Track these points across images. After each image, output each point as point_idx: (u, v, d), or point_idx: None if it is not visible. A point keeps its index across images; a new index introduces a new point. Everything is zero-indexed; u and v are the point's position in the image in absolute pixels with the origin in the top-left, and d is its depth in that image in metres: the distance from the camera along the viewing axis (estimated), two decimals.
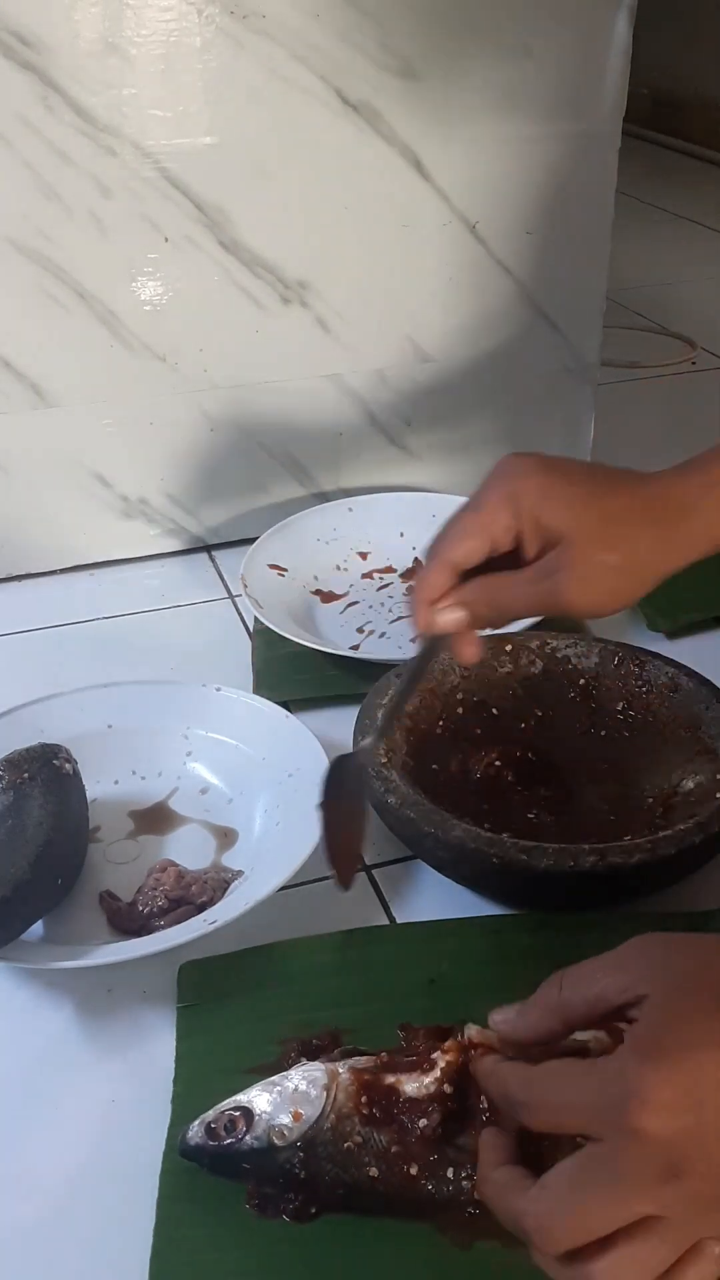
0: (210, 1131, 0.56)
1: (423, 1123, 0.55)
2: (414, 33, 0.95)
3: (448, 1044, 0.58)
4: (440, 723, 0.82)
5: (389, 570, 1.07)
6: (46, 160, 0.91)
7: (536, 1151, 0.49)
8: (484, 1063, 0.51)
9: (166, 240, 0.97)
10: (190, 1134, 0.56)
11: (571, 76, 1.01)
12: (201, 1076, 0.62)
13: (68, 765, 0.76)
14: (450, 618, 0.61)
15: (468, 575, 0.61)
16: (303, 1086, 0.56)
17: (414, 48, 0.96)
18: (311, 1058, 0.60)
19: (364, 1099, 0.56)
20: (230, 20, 0.91)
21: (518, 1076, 0.47)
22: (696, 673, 0.81)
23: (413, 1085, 0.56)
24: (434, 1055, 0.58)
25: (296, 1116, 0.55)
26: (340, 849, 0.64)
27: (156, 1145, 0.59)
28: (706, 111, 2.67)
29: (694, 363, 1.56)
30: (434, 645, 0.63)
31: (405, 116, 0.98)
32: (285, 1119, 0.55)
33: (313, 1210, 0.55)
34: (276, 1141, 0.55)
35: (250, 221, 0.99)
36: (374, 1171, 0.55)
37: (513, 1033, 0.50)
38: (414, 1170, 0.55)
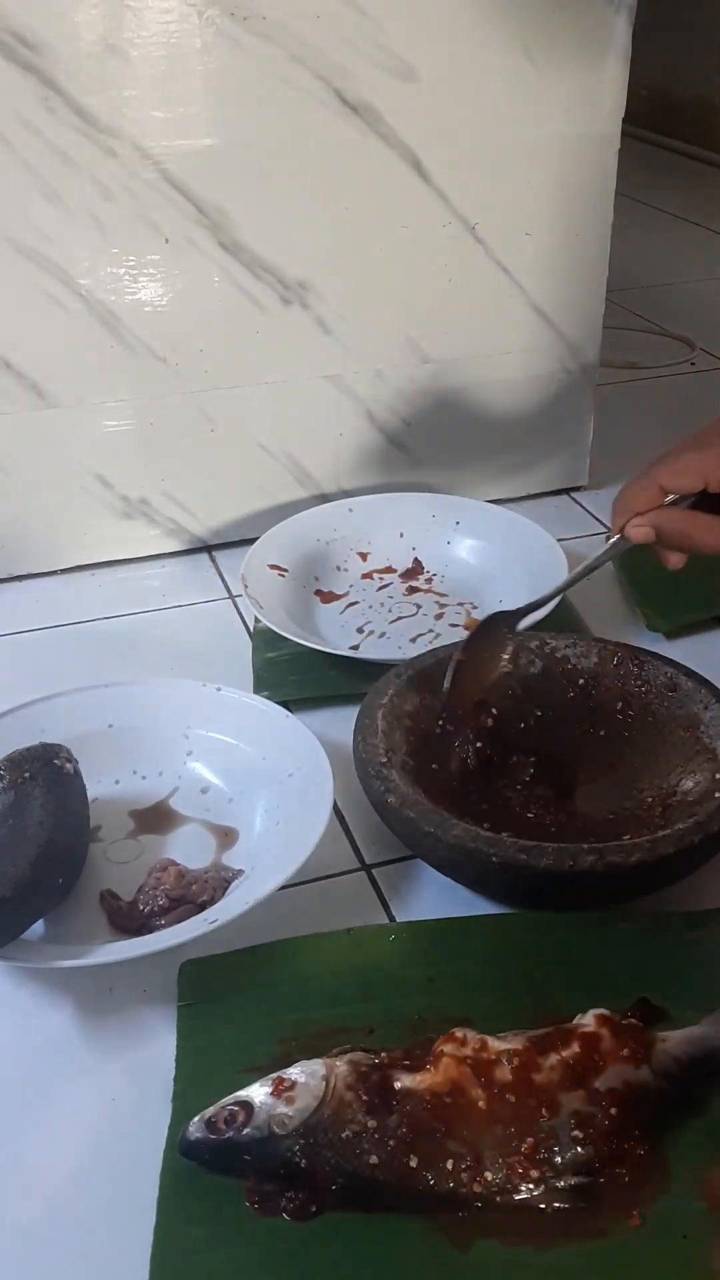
0: (210, 1125, 0.56)
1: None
2: (414, 34, 0.95)
3: (448, 1044, 0.58)
4: (440, 722, 0.82)
5: (389, 570, 1.08)
6: (47, 161, 0.92)
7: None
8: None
9: (167, 241, 0.97)
10: (190, 1130, 0.57)
11: (571, 77, 1.01)
12: (202, 1076, 0.62)
13: (68, 765, 0.76)
14: (643, 533, 0.70)
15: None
16: (302, 1079, 0.57)
17: (414, 49, 0.96)
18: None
19: (362, 1090, 0.56)
20: (230, 22, 0.91)
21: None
22: (695, 672, 0.81)
23: (411, 1079, 0.57)
24: (434, 1051, 0.58)
25: (292, 1101, 0.56)
26: (462, 694, 0.73)
27: (156, 1145, 0.59)
28: (706, 112, 2.67)
29: (693, 363, 1.56)
30: (617, 547, 0.72)
31: (405, 117, 0.98)
32: (285, 1108, 0.56)
33: (313, 1209, 0.55)
34: (277, 1130, 0.55)
35: (250, 222, 0.99)
36: (373, 1159, 0.55)
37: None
38: (413, 1162, 0.55)
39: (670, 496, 0.71)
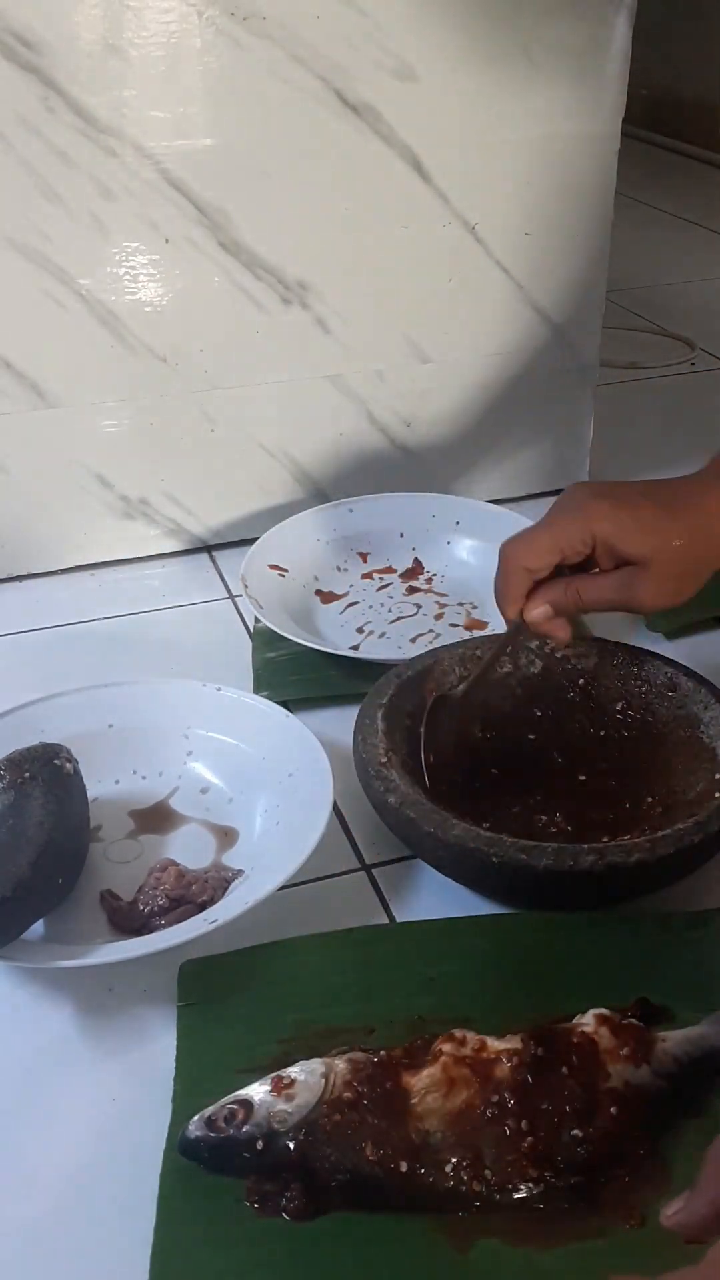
0: (210, 1124, 0.56)
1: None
2: (414, 34, 0.95)
3: (447, 1044, 0.58)
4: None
5: (389, 570, 1.08)
6: (47, 161, 0.92)
7: None
8: None
9: (167, 241, 0.97)
10: (190, 1128, 0.57)
11: (571, 77, 1.01)
12: (202, 1076, 0.62)
13: (69, 765, 0.76)
14: (539, 613, 0.75)
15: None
16: (301, 1076, 0.57)
17: (414, 49, 0.96)
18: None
19: (362, 1088, 0.56)
20: (230, 22, 0.91)
21: None
22: (695, 672, 0.81)
23: (411, 1077, 0.57)
24: (433, 1050, 0.58)
25: (291, 1098, 0.56)
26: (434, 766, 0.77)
27: (156, 1145, 0.59)
28: (706, 112, 2.67)
29: (693, 363, 1.56)
30: (518, 629, 0.77)
31: (405, 118, 0.98)
32: (284, 1105, 0.56)
33: (313, 1209, 0.55)
34: (276, 1126, 0.56)
35: (250, 222, 0.99)
36: (372, 1156, 0.55)
37: (687, 1224, 0.48)
38: (413, 1161, 0.55)
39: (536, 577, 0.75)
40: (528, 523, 1.06)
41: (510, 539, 0.76)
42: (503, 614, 0.77)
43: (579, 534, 0.72)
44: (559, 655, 0.85)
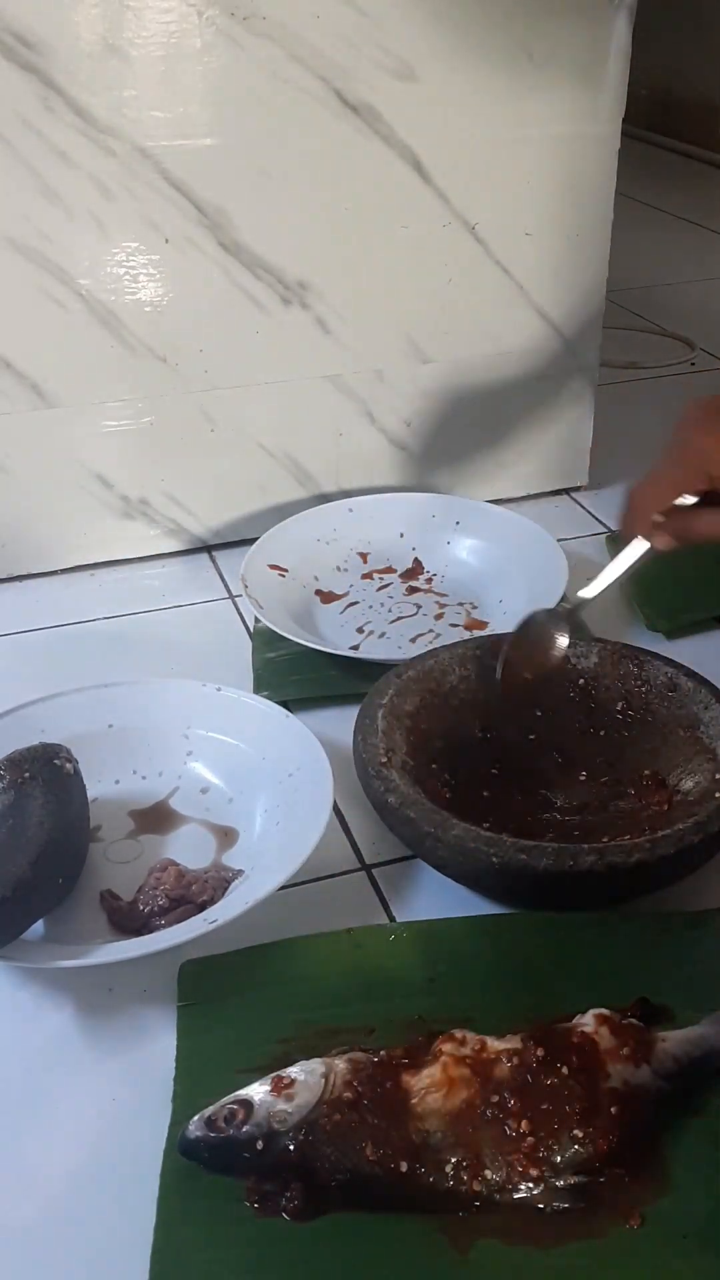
0: (210, 1124, 0.56)
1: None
2: (414, 34, 0.95)
3: (447, 1044, 0.58)
4: (440, 722, 0.82)
5: (389, 570, 1.08)
6: (47, 161, 0.92)
7: None
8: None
9: (167, 241, 0.97)
10: (190, 1129, 0.57)
11: (571, 77, 1.01)
12: (202, 1076, 0.62)
13: (68, 765, 0.76)
14: (661, 542, 0.76)
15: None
16: (301, 1076, 0.57)
17: (414, 49, 0.96)
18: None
19: (362, 1087, 0.56)
20: (230, 21, 0.91)
21: None
22: (695, 672, 0.81)
23: (411, 1077, 0.57)
24: (433, 1050, 0.58)
25: (291, 1098, 0.56)
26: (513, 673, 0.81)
27: (156, 1145, 0.59)
28: (706, 112, 2.67)
29: (693, 363, 1.56)
30: (638, 551, 0.78)
31: (405, 118, 0.98)
32: (284, 1105, 0.56)
33: (313, 1209, 0.55)
34: (276, 1126, 0.56)
35: (250, 222, 0.99)
36: (372, 1156, 0.55)
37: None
38: (412, 1160, 0.55)
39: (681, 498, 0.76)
40: (528, 523, 1.07)
41: (635, 483, 0.78)
42: (624, 525, 0.79)
43: (694, 469, 0.74)
44: (558, 655, 0.85)
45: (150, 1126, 0.60)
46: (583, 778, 0.81)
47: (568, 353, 1.15)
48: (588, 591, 0.81)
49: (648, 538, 0.77)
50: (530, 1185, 0.55)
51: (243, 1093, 0.57)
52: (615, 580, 0.80)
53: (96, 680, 0.86)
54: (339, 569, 1.07)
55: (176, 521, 1.10)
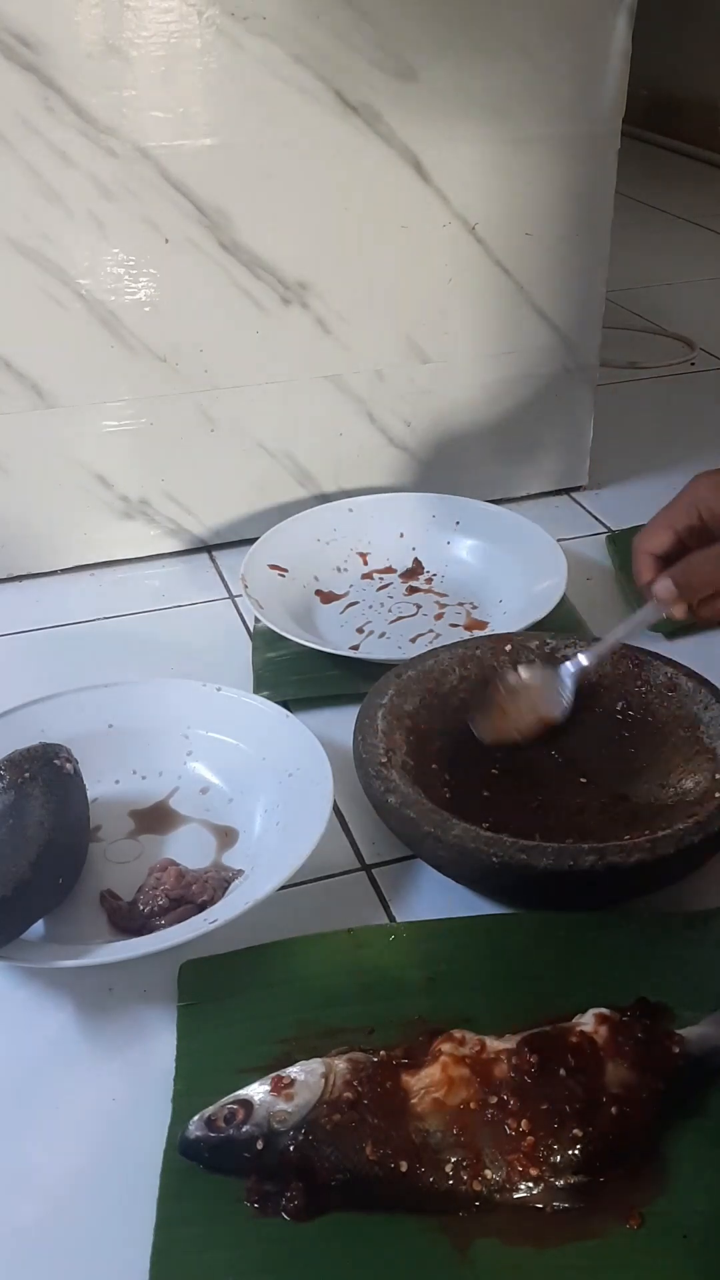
0: (210, 1123, 0.56)
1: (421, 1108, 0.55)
2: (413, 34, 0.95)
3: (446, 1044, 0.58)
4: (440, 722, 0.82)
5: (389, 570, 1.08)
6: (47, 161, 0.92)
7: None
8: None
9: (167, 241, 0.97)
10: (190, 1128, 0.57)
11: (570, 77, 1.01)
12: (202, 1076, 0.62)
13: (68, 765, 0.76)
14: (660, 587, 0.78)
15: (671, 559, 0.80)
16: (301, 1076, 0.57)
17: (413, 49, 0.96)
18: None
19: (362, 1087, 0.56)
20: (230, 22, 0.91)
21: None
22: (695, 673, 0.81)
23: (410, 1077, 0.57)
24: (432, 1050, 0.58)
25: (291, 1098, 0.56)
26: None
27: (156, 1145, 0.59)
28: (706, 112, 2.67)
29: (693, 363, 1.56)
30: (651, 608, 0.81)
31: (405, 117, 0.98)
32: (284, 1105, 0.56)
33: (313, 1209, 0.55)
34: (276, 1126, 0.56)
35: (250, 222, 0.99)
36: (372, 1156, 0.55)
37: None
38: (412, 1160, 0.55)
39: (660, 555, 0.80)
40: (528, 523, 1.08)
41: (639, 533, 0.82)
42: (635, 575, 0.82)
43: (684, 507, 0.79)
44: (559, 655, 0.85)
45: (150, 1126, 0.60)
46: (583, 778, 0.81)
47: (568, 352, 1.15)
48: (587, 657, 0.83)
49: (663, 604, 0.79)
50: (530, 1185, 0.55)
51: (243, 1093, 0.57)
52: (615, 644, 0.83)
53: (96, 680, 0.86)
54: (339, 569, 1.07)
55: (176, 521, 1.10)
